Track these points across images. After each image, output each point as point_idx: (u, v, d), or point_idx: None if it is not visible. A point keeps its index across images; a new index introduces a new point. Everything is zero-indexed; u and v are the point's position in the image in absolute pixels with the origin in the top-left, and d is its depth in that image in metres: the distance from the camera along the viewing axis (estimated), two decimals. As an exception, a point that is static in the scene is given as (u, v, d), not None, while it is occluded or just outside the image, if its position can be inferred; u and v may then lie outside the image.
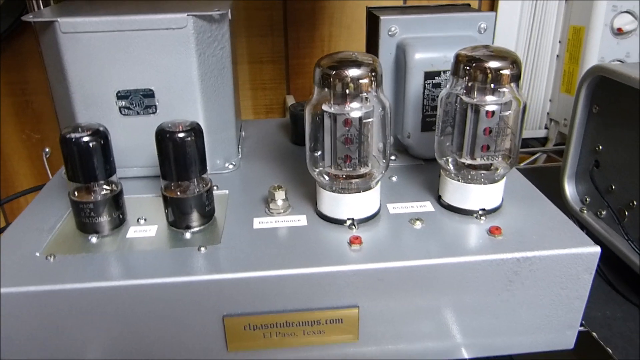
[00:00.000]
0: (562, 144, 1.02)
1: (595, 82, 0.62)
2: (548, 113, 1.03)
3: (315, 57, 0.95)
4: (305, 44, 0.94)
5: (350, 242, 0.45)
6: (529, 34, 0.97)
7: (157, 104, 0.54)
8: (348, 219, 0.47)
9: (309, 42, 0.94)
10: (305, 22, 0.93)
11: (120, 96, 0.53)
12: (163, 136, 0.45)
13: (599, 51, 0.89)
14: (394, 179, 0.57)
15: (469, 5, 0.65)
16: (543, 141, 1.05)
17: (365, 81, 0.44)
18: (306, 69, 0.96)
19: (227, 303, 0.42)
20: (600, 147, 0.63)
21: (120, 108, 0.54)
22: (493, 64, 0.45)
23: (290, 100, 0.93)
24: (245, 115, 0.98)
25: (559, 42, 0.97)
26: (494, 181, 0.49)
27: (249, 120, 0.81)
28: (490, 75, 0.45)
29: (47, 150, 0.80)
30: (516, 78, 0.46)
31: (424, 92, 0.56)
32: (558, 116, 1.01)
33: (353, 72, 0.43)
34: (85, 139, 0.45)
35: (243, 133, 0.70)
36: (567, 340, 0.49)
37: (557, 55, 0.98)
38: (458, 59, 0.47)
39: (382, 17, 0.56)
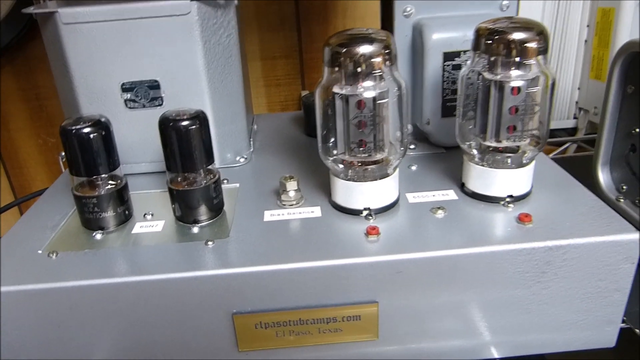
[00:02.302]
0: (592, 133, 0.97)
1: (629, 59, 0.58)
2: (577, 102, 0.98)
3: (330, 51, 0.92)
4: (319, 38, 0.91)
5: (367, 233, 0.41)
6: (555, 18, 0.93)
7: (163, 95, 0.52)
8: (364, 209, 0.44)
9: (322, 35, 0.91)
10: (318, 15, 0.90)
11: (125, 88, 0.51)
12: (166, 125, 0.43)
13: (631, 32, 0.84)
14: (414, 167, 0.53)
15: (489, -16, 0.61)
16: (571, 132, 1.00)
17: (378, 59, 0.41)
18: (321, 63, 0.93)
19: (236, 300, 0.40)
20: (637, 130, 0.59)
21: (125, 101, 0.52)
22: (518, 36, 0.41)
23: (306, 96, 0.90)
24: (260, 112, 0.96)
25: (587, 26, 0.92)
26: (521, 165, 0.45)
27: (261, 114, 0.78)
28: (515, 48, 0.41)
29: (62, 154, 0.79)
30: (544, 50, 0.42)
31: (443, 74, 0.53)
32: (587, 104, 0.96)
33: (365, 49, 0.40)
34: (86, 130, 0.43)
35: (255, 126, 0.67)
36: (607, 338, 0.44)
37: (585, 40, 0.93)
38: (479, 32, 0.43)
39: (396, -2, 0.53)
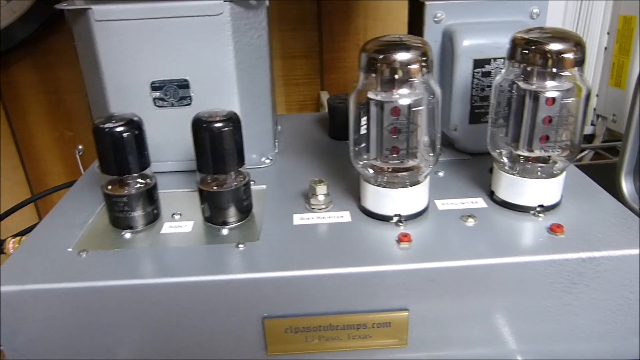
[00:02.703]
0: (610, 141, 0.97)
1: (658, 70, 0.58)
2: (594, 109, 0.98)
3: (350, 51, 0.92)
4: (339, 38, 0.91)
5: (399, 240, 0.41)
6: (575, 25, 0.92)
7: (192, 95, 0.52)
8: (395, 215, 0.44)
9: (343, 35, 0.91)
10: (340, 14, 0.90)
11: (154, 87, 0.51)
12: (199, 126, 0.43)
13: (653, 41, 0.84)
14: (441, 174, 0.53)
15: (518, -10, 0.61)
16: (589, 138, 1.00)
17: (415, 66, 0.40)
18: (340, 64, 0.93)
19: (267, 304, 0.40)
20: (663, 141, 0.59)
21: (154, 99, 0.52)
22: (555, 46, 0.41)
23: (325, 96, 0.90)
24: (278, 112, 0.96)
25: (607, 33, 0.92)
26: (552, 175, 0.45)
27: (284, 114, 0.78)
28: (552, 59, 0.41)
29: (80, 147, 0.79)
30: (580, 62, 0.42)
31: (472, 81, 0.52)
32: (606, 111, 0.95)
33: (402, 56, 0.40)
34: (119, 129, 0.43)
35: (279, 127, 0.67)
36: (634, 350, 0.44)
37: (605, 48, 0.93)
38: (515, 42, 0.43)
39: (427, 3, 0.53)
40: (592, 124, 0.99)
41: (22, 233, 0.62)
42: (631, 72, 0.88)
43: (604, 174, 0.69)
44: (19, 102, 0.95)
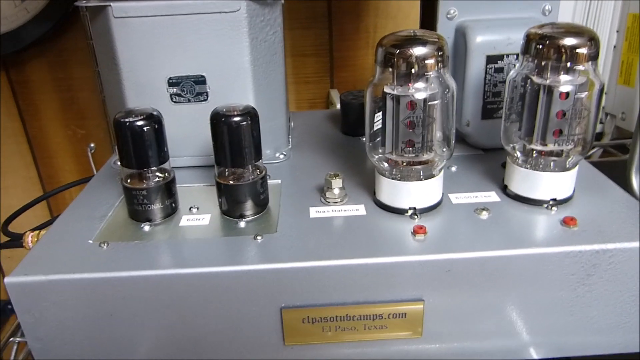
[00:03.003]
0: (618, 138, 0.97)
1: (669, 66, 0.58)
2: (603, 107, 0.98)
3: (360, 50, 0.93)
4: (349, 36, 0.92)
5: (414, 232, 0.42)
6: (584, 23, 0.92)
7: (208, 91, 0.52)
8: (410, 208, 0.45)
9: (353, 33, 0.92)
10: (350, 13, 0.90)
11: (171, 83, 0.52)
12: (218, 120, 0.43)
13: (663, 39, 0.84)
14: (453, 168, 0.54)
15: (529, -13, 0.61)
16: (597, 136, 1.00)
17: (431, 61, 0.41)
18: (350, 62, 0.94)
19: (285, 294, 0.40)
20: (674, 137, 0.59)
21: (171, 95, 0.53)
22: (570, 41, 0.41)
23: (335, 94, 0.91)
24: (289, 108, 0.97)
25: (617, 31, 0.92)
26: (565, 169, 0.46)
27: (296, 112, 0.79)
28: (566, 53, 0.42)
29: (92, 145, 0.80)
30: (594, 57, 0.42)
31: (485, 77, 0.53)
32: (615, 109, 0.95)
33: (418, 51, 0.41)
34: (140, 123, 0.43)
35: (292, 123, 0.68)
36: (646, 342, 0.45)
37: (614, 46, 0.93)
38: (529, 37, 0.44)
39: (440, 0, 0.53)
40: (601, 122, 0.99)
41: (39, 227, 0.63)
42: (641, 69, 0.89)
43: (612, 172, 0.69)
44: (32, 101, 0.96)
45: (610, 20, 0.92)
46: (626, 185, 0.65)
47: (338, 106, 0.66)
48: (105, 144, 0.95)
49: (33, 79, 0.94)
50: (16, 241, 0.59)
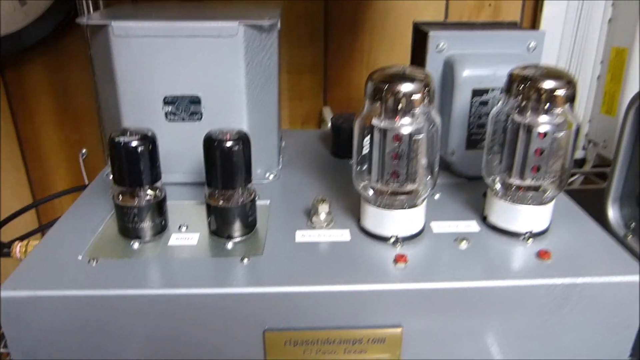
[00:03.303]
0: (600, 165, 1.00)
1: (645, 106, 0.60)
2: (586, 134, 1.01)
3: (354, 68, 0.95)
4: (344, 55, 0.94)
5: (396, 260, 0.44)
6: (570, 54, 0.96)
7: (202, 110, 0.54)
8: (392, 235, 0.47)
9: (348, 52, 0.94)
10: (346, 33, 0.92)
11: (167, 101, 0.53)
12: (211, 144, 0.45)
13: (644, 73, 0.87)
14: (437, 196, 0.56)
15: (516, 23, 0.64)
16: (580, 163, 1.03)
17: (417, 97, 0.43)
18: (344, 80, 0.96)
19: (268, 317, 0.42)
20: (649, 173, 0.61)
21: (166, 113, 0.54)
22: (549, 84, 0.44)
23: (327, 112, 0.92)
24: (282, 125, 0.98)
25: (600, 62, 0.95)
26: (542, 203, 0.48)
27: (288, 130, 0.80)
28: (544, 96, 0.44)
29: (83, 151, 0.81)
30: (571, 99, 0.44)
31: (470, 109, 0.55)
32: (597, 137, 0.98)
33: (406, 87, 0.43)
34: (134, 143, 0.45)
35: (284, 143, 0.70)
36: (616, 372, 0.47)
37: (598, 77, 0.96)
38: (512, 77, 0.46)
39: (431, 33, 0.55)
40: (584, 148, 1.02)
41: (26, 236, 0.64)
42: (622, 100, 0.91)
43: (592, 199, 0.71)
44: (27, 102, 0.97)
45: (594, 52, 0.95)
46: (603, 215, 0.67)
47: (330, 124, 0.68)
48: (97, 150, 0.96)
49: (29, 81, 0.95)
50: (1, 250, 0.60)
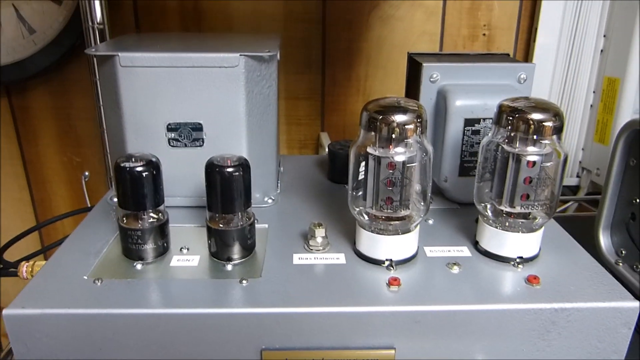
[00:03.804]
0: (594, 193, 1.02)
1: (632, 136, 0.63)
2: (580, 162, 1.03)
3: (350, 96, 0.97)
4: (341, 83, 0.97)
5: (389, 283, 0.45)
6: (563, 83, 0.98)
7: (204, 137, 0.56)
8: (386, 259, 0.48)
9: (345, 80, 0.96)
10: (343, 61, 0.95)
11: (170, 128, 0.55)
12: (212, 170, 0.47)
13: (634, 103, 0.89)
14: (430, 221, 0.57)
15: (508, 55, 0.66)
16: (574, 189, 1.05)
17: (410, 127, 0.45)
18: (341, 107, 0.98)
19: (266, 337, 0.43)
20: (638, 200, 0.63)
21: (169, 139, 0.56)
22: (537, 116, 0.46)
23: (325, 137, 0.95)
24: (280, 150, 1.00)
25: (593, 92, 0.98)
26: (532, 230, 0.49)
27: (287, 155, 0.83)
28: (533, 127, 0.46)
29: (86, 174, 0.83)
30: (558, 130, 0.46)
31: (463, 138, 0.57)
32: (590, 165, 1.01)
33: (399, 118, 0.45)
34: (139, 168, 0.47)
35: (282, 168, 0.72)
36: (602, 396, 0.48)
37: (591, 105, 0.99)
38: (501, 109, 0.48)
39: (424, 64, 0.58)
40: (578, 176, 1.04)
41: (31, 256, 0.66)
42: (614, 129, 0.94)
43: (585, 226, 0.73)
44: (31, 126, 0.99)
45: (587, 81, 0.98)
46: (595, 241, 0.69)
47: (327, 150, 0.70)
48: (99, 172, 0.98)
49: (34, 106, 0.98)
50: (7, 269, 0.61)
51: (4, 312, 0.41)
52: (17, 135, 1.00)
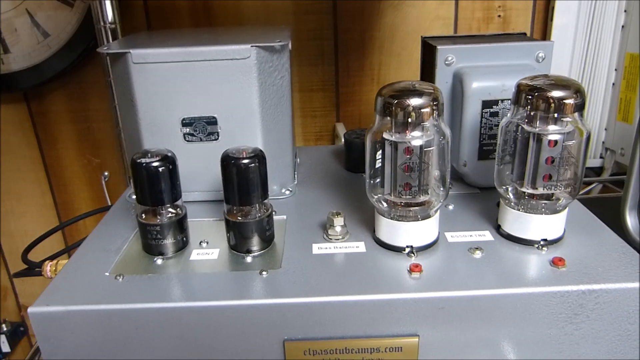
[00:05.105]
0: (618, 173, 0.99)
1: (658, 111, 0.61)
2: (603, 142, 1.01)
3: (365, 85, 0.96)
4: (355, 73, 0.96)
5: (411, 270, 0.44)
6: (583, 61, 0.96)
7: (219, 131, 0.56)
8: (407, 246, 0.47)
9: (359, 70, 0.95)
10: (356, 51, 0.94)
11: (184, 123, 0.55)
12: (228, 162, 0.46)
13: (658, 79, 0.87)
14: (451, 207, 0.56)
15: (525, 34, 0.65)
16: (598, 171, 1.02)
17: (426, 110, 0.44)
18: (356, 97, 0.97)
19: (288, 327, 0.43)
20: (665, 178, 0.61)
21: (184, 134, 0.56)
22: (557, 94, 0.44)
23: (340, 128, 0.94)
24: (296, 143, 1.00)
25: (615, 69, 0.95)
26: (555, 211, 0.48)
27: (302, 147, 0.82)
28: (553, 105, 0.45)
29: (105, 174, 0.84)
30: (580, 107, 0.45)
31: (481, 120, 0.56)
32: (614, 145, 0.98)
33: (415, 101, 0.44)
34: (155, 164, 0.47)
35: (298, 159, 0.71)
36: (634, 379, 0.47)
37: (613, 83, 0.96)
38: (520, 88, 0.47)
39: (439, 47, 0.57)
40: (601, 157, 1.02)
41: (55, 256, 0.66)
42: (638, 107, 0.91)
43: (611, 207, 0.71)
44: (50, 131, 1.00)
45: (608, 58, 0.95)
46: (621, 222, 0.67)
47: (343, 140, 0.69)
48: (118, 172, 0.99)
49: (52, 110, 0.99)
50: (33, 269, 0.62)
51: (29, 310, 0.42)
52: (37, 141, 1.02)
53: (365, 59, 0.95)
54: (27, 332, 1.10)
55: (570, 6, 0.92)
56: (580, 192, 0.97)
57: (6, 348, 1.04)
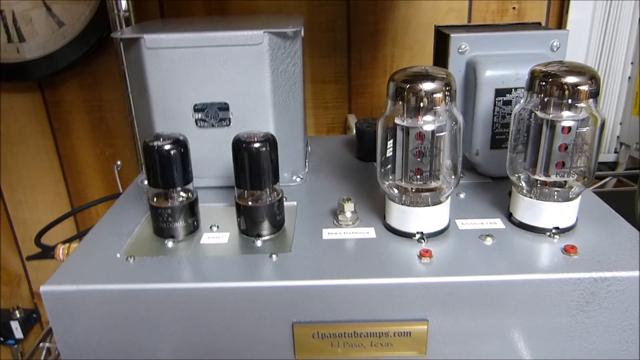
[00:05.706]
0: (633, 168, 0.98)
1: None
2: (618, 136, 1.00)
3: (377, 78, 0.96)
4: (367, 65, 0.95)
5: (421, 255, 0.44)
6: (599, 54, 0.95)
7: (231, 117, 0.56)
8: (417, 232, 0.47)
9: (371, 62, 0.95)
10: (369, 43, 0.94)
11: (197, 109, 0.56)
12: (239, 146, 0.47)
13: (675, 73, 0.86)
14: (462, 195, 0.56)
15: (539, 23, 0.64)
16: (612, 166, 1.01)
17: (438, 95, 0.44)
18: (368, 89, 0.97)
19: (297, 310, 0.43)
20: (680, 170, 0.61)
21: (196, 120, 0.56)
22: (570, 79, 0.44)
23: (352, 119, 0.94)
24: (307, 134, 1.00)
25: (631, 63, 0.94)
26: (568, 199, 0.48)
27: (314, 137, 0.82)
28: (567, 91, 0.44)
29: (118, 163, 0.85)
30: (594, 94, 0.45)
31: (494, 109, 0.55)
32: (629, 140, 0.97)
33: (427, 86, 0.44)
34: (167, 147, 0.47)
35: (310, 148, 0.71)
36: (647, 369, 0.46)
37: (629, 77, 0.95)
38: (534, 74, 0.46)
39: (452, 35, 0.56)
40: (616, 152, 1.01)
41: (69, 240, 0.67)
42: (654, 102, 0.90)
43: (625, 201, 0.70)
44: (64, 120, 1.02)
45: (624, 52, 0.94)
46: (635, 215, 0.66)
47: (354, 130, 0.69)
48: (131, 162, 0.99)
49: (66, 100, 1.00)
50: (47, 253, 0.63)
51: (41, 288, 0.42)
52: (51, 130, 1.03)
53: (378, 51, 0.95)
54: (39, 319, 1.12)
55: (586, -2, 0.91)
56: (595, 186, 0.96)
57: (19, 334, 1.05)
